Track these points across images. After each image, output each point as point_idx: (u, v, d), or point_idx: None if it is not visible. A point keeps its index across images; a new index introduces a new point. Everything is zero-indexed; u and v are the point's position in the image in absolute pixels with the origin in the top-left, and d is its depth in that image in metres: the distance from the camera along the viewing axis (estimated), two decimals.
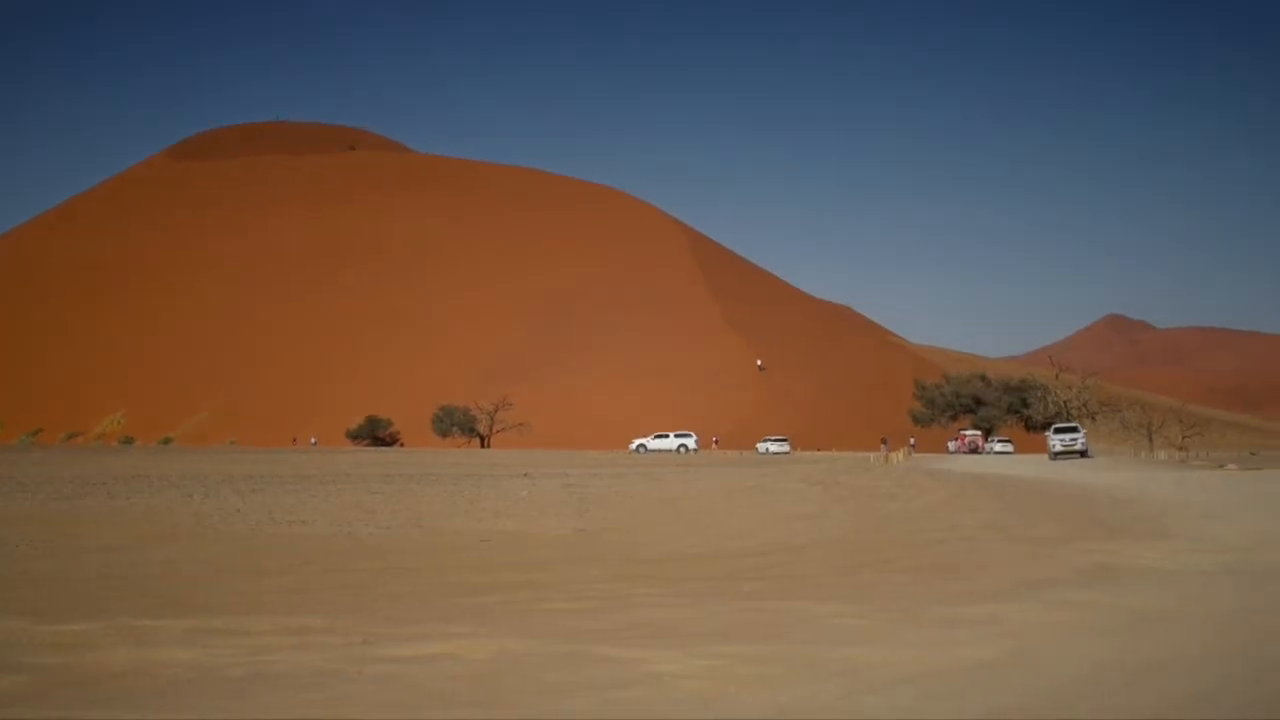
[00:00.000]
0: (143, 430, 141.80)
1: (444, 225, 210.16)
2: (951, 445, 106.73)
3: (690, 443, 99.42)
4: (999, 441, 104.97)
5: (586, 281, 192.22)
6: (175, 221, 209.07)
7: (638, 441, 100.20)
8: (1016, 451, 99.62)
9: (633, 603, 10.70)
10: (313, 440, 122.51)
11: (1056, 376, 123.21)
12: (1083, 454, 66.49)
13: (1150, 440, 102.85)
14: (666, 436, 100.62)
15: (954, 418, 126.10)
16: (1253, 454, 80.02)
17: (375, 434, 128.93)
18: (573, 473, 41.92)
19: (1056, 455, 66.11)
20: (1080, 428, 70.40)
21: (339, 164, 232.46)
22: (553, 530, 19.10)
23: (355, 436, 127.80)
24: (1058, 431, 69.04)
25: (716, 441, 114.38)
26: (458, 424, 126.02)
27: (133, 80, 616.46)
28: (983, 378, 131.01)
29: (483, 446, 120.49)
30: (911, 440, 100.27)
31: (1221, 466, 47.37)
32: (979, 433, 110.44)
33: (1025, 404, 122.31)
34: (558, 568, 13.97)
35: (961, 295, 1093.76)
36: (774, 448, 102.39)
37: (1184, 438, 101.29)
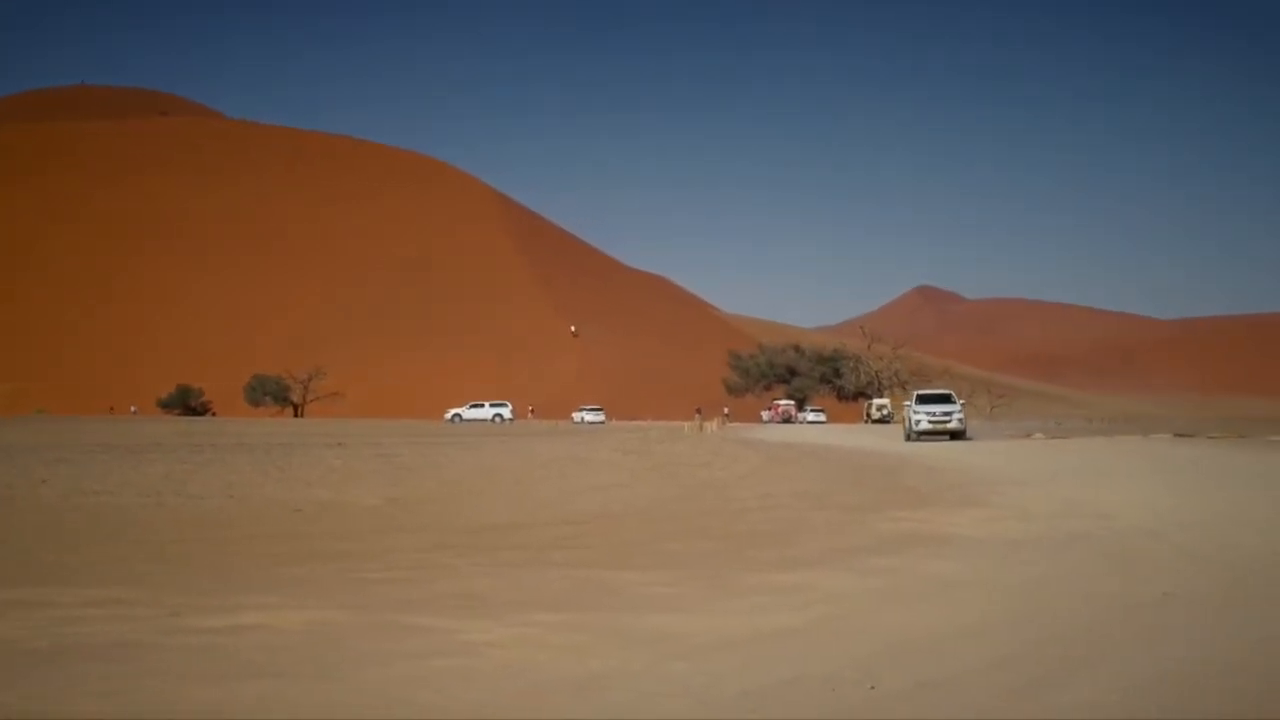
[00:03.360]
0: None
1: (256, 192, 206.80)
2: (765, 415, 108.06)
3: (505, 412, 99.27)
4: (812, 411, 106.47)
5: (400, 250, 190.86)
6: None
7: (453, 411, 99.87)
8: (829, 421, 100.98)
9: (446, 573, 10.60)
10: (133, 409, 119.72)
11: (868, 347, 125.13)
12: (956, 435, 47.05)
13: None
14: (482, 406, 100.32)
15: (768, 387, 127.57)
16: (1058, 423, 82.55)
17: (187, 403, 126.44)
18: (387, 442, 41.55)
19: (921, 434, 47.11)
20: (956, 397, 50.76)
21: (147, 130, 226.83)
22: (366, 500, 18.85)
23: (166, 406, 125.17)
24: (923, 401, 49.72)
25: (532, 411, 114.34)
26: (270, 393, 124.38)
27: None
28: (796, 348, 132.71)
29: (296, 416, 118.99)
30: (725, 410, 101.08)
31: (1029, 435, 48.86)
32: (792, 402, 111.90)
33: (838, 374, 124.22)
34: (371, 538, 13.80)
35: (775, 266, 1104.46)
36: (589, 417, 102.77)
37: (992, 407, 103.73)
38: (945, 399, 50.50)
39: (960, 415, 48.34)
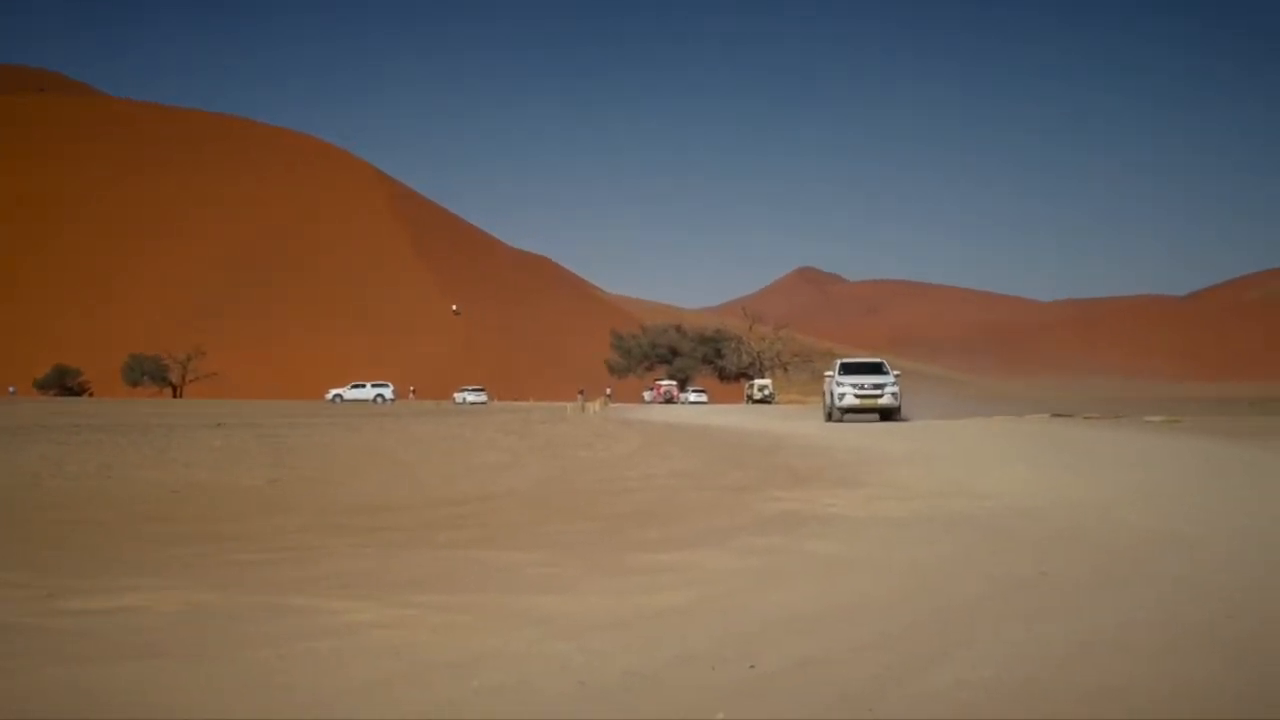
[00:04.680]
0: None
1: (136, 170, 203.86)
2: (647, 395, 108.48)
3: (387, 392, 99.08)
4: (694, 391, 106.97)
5: (281, 229, 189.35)
6: None
7: (334, 392, 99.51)
8: (711, 401, 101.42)
9: (327, 553, 10.54)
10: (11, 390, 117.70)
11: (750, 328, 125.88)
12: (888, 414, 40.88)
13: None
14: (363, 386, 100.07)
15: (650, 368, 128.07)
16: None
17: (64, 383, 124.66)
18: (268, 423, 41.20)
19: (847, 412, 41.09)
20: (889, 367, 43.27)
21: (22, 107, 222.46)
22: (246, 481, 18.64)
23: (43, 386, 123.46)
24: (849, 371, 42.62)
25: (413, 391, 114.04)
26: (149, 373, 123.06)
27: None
28: (678, 328, 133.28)
29: (175, 396, 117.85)
30: (608, 390, 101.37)
31: (909, 416, 48.68)
32: (674, 383, 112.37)
33: (720, 355, 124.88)
34: (251, 519, 13.66)
35: (658, 246, 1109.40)
36: (471, 398, 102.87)
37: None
38: (875, 368, 43.13)
39: (894, 389, 40.86)
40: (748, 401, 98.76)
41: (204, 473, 20.02)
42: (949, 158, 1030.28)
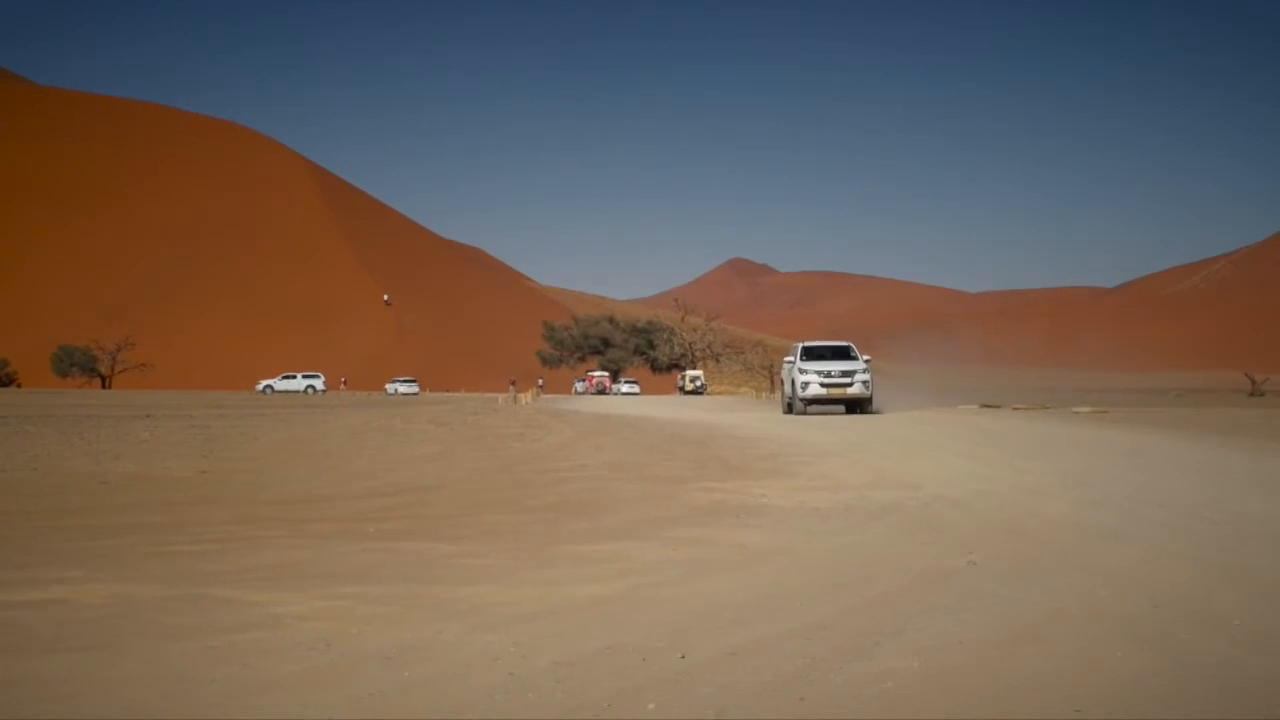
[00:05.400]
0: None
1: (64, 158, 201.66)
2: (579, 386, 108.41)
3: (318, 383, 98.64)
4: (626, 383, 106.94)
5: (211, 219, 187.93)
6: None
7: (265, 382, 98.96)
8: (643, 392, 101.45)
9: (257, 545, 10.48)
10: None
11: (682, 319, 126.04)
12: (859, 405, 36.35)
13: (772, 381, 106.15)
14: (294, 377, 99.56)
15: (582, 359, 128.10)
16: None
17: None
18: (198, 414, 40.89)
19: (811, 404, 36.62)
20: (857, 351, 38.24)
21: None
22: (176, 472, 18.52)
23: None
24: (813, 356, 37.91)
25: (345, 382, 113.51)
26: (78, 364, 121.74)
27: None
28: (611, 319, 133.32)
29: (104, 387, 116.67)
30: (540, 381, 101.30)
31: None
32: (607, 374, 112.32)
33: (652, 346, 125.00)
34: (180, 510, 13.58)
35: (591, 239, 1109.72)
36: (403, 389, 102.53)
37: None
38: (843, 353, 38.29)
39: (866, 376, 36.13)
40: (680, 392, 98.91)
41: (133, 464, 19.87)
42: (881, 150, 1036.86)
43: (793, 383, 37.20)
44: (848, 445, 22.24)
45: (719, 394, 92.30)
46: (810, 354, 37.94)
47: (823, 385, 35.76)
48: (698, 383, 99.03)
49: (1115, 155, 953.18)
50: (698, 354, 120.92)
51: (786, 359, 39.62)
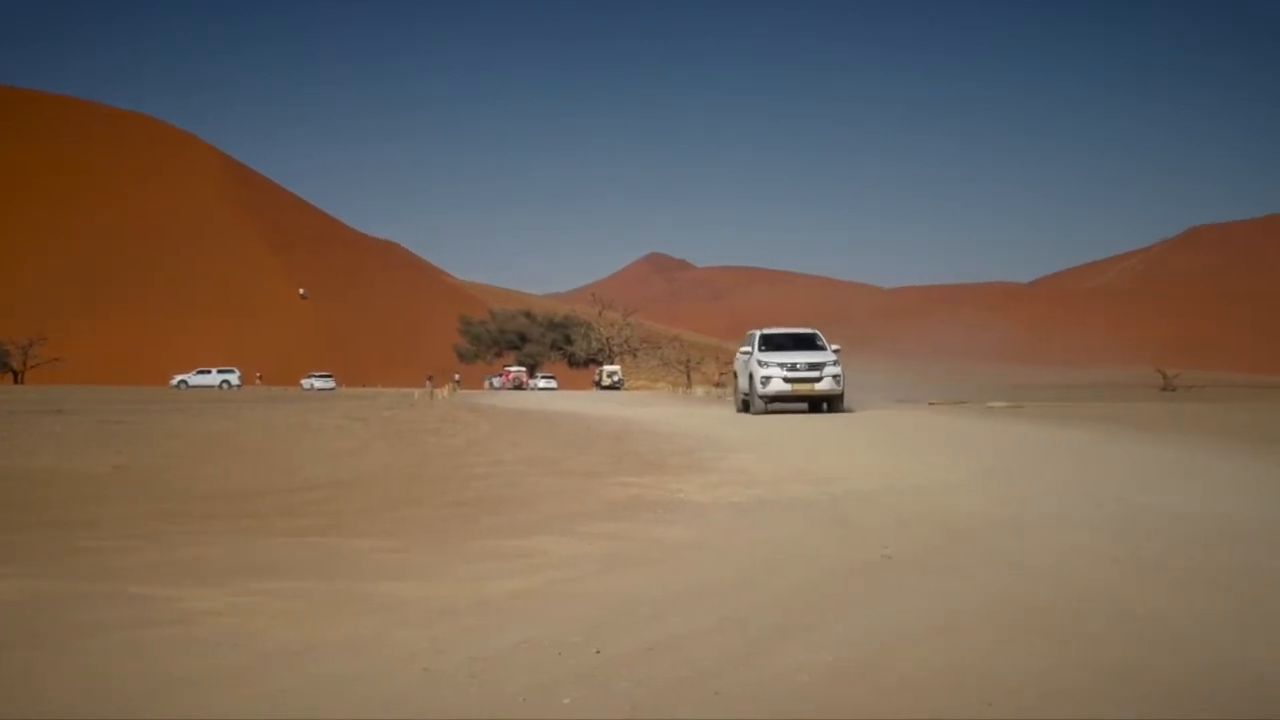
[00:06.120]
0: None
1: None
2: (496, 381, 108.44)
3: (233, 378, 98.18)
4: (543, 378, 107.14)
5: (123, 214, 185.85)
6: None
7: (179, 377, 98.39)
8: (560, 387, 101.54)
9: (169, 540, 10.36)
10: None
11: (599, 314, 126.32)
12: (829, 402, 32.05)
13: (688, 376, 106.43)
14: (209, 372, 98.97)
15: (499, 354, 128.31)
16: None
17: None
18: (112, 409, 40.49)
19: (774, 401, 32.23)
20: (824, 340, 33.85)
21: None
22: (90, 467, 18.30)
23: None
24: (773, 346, 33.22)
25: (260, 377, 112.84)
26: None
27: None
28: (527, 314, 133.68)
29: (16, 382, 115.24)
30: (456, 376, 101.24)
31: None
32: (524, 369, 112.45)
33: (569, 341, 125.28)
34: (92, 506, 13.41)
35: (508, 233, 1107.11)
36: (319, 384, 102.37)
37: (720, 374, 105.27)
38: (808, 341, 33.73)
39: (836, 370, 31.57)
40: (597, 387, 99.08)
41: (46, 459, 19.67)
42: (798, 145, 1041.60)
43: (750, 377, 32.46)
44: (762, 441, 22.34)
45: (636, 389, 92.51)
46: (770, 343, 33.37)
47: (786, 380, 31.26)
48: (615, 378, 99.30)
49: (1031, 150, 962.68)
50: (615, 349, 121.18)
51: (742, 349, 34.66)
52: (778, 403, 32.11)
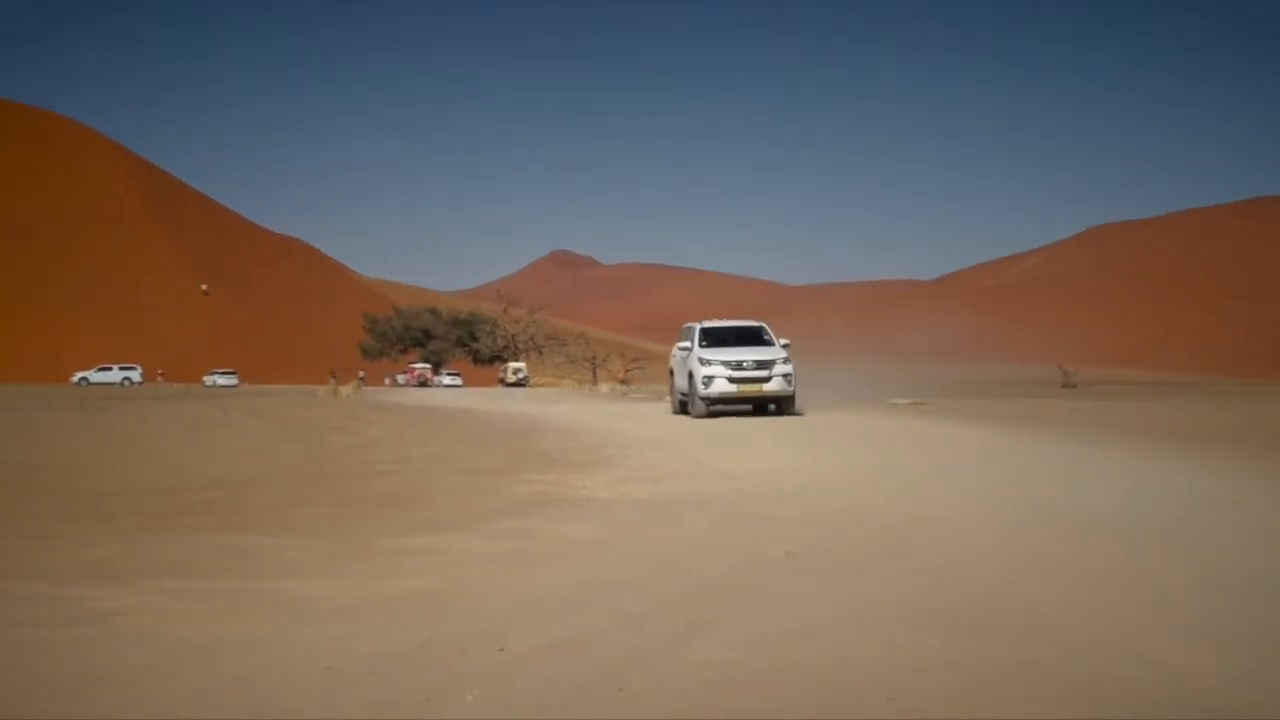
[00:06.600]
0: None
1: None
2: (401, 378, 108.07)
3: (135, 375, 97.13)
4: (448, 375, 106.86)
5: (19, 208, 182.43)
6: None
7: (80, 374, 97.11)
8: (465, 384, 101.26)
9: (70, 539, 10.25)
10: None
11: (505, 311, 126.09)
12: (779, 403, 29.01)
13: (594, 373, 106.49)
14: (110, 369, 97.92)
15: (404, 351, 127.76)
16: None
17: None
18: (10, 405, 39.94)
19: (717, 403, 28.78)
20: (772, 334, 30.88)
21: None
22: None
23: None
24: (716, 341, 30.17)
25: (162, 374, 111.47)
26: None
27: None
28: (433, 311, 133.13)
29: None
30: (361, 373, 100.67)
31: (661, 398, 48.16)
32: (428, 366, 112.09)
33: (474, 338, 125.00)
34: None
35: (412, 230, 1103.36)
36: (222, 381, 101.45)
37: (626, 370, 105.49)
38: (754, 336, 30.81)
39: (787, 368, 28.63)
40: (502, 385, 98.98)
41: None
42: (705, 141, 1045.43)
43: (690, 376, 29.49)
44: (667, 438, 22.40)
45: (542, 386, 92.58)
46: (712, 337, 30.34)
47: (732, 380, 28.29)
48: (520, 375, 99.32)
49: (935, 148, 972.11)
50: (520, 346, 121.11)
51: (679, 344, 31.48)
52: (721, 405, 28.82)
